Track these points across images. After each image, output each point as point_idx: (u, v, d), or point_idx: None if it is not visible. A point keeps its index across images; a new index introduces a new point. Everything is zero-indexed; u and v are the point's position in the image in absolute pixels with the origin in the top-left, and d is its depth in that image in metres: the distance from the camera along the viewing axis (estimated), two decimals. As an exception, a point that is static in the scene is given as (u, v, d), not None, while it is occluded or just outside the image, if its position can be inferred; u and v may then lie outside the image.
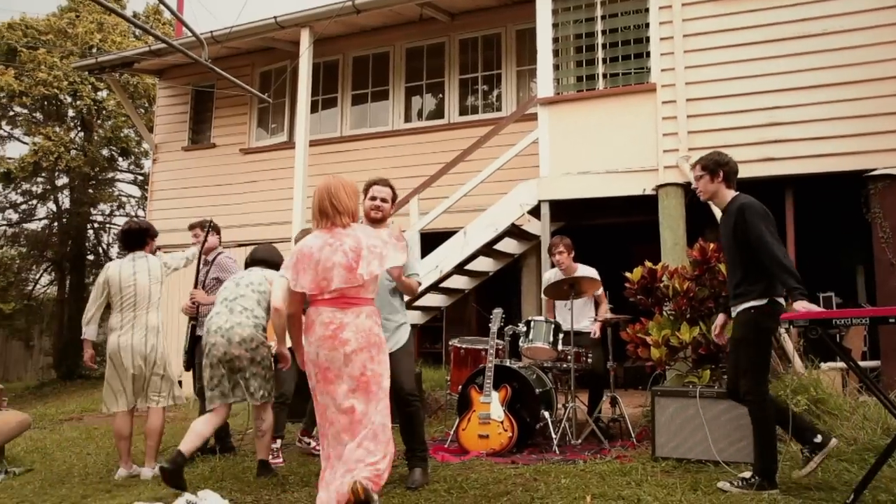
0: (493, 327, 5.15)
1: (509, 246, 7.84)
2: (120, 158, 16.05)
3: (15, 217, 16.24)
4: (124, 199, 16.90)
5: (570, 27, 7.10)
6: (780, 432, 3.65)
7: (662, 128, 6.66)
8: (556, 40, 7.12)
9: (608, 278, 5.53)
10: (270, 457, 4.46)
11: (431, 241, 7.83)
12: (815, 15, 6.31)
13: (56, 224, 16.20)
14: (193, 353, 5.07)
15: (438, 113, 9.46)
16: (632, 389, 7.36)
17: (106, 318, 4.74)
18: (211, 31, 9.38)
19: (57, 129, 14.39)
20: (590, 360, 5.27)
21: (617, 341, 5.35)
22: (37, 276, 16.64)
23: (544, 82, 7.14)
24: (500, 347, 5.44)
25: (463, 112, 9.27)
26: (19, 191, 15.67)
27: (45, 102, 14.59)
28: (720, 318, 4.01)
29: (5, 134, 15.62)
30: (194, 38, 7.08)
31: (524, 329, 5.27)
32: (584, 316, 5.44)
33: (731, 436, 4.07)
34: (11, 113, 15.00)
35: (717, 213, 4.54)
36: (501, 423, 4.78)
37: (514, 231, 7.43)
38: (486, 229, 7.29)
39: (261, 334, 4.29)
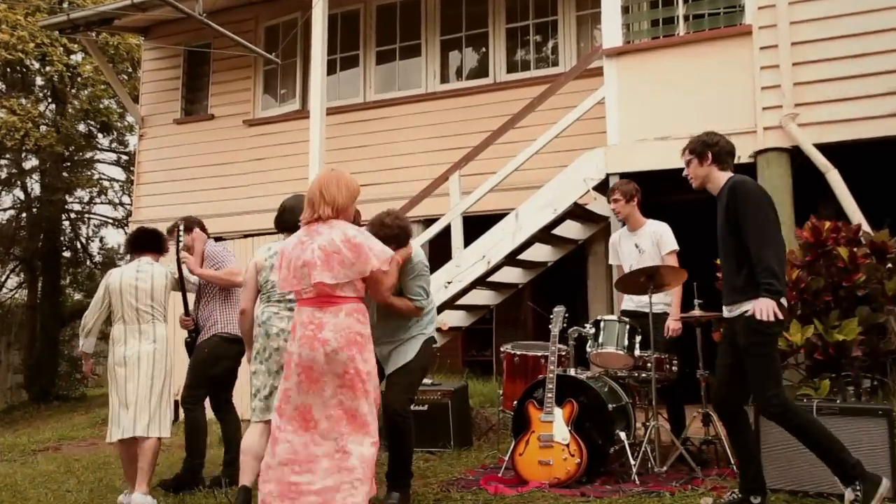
0: (555, 329, 5.17)
1: (571, 230, 7.83)
2: (100, 135, 16.39)
3: (-26, 207, 16.79)
4: (106, 183, 17.33)
5: (643, -41, 7.06)
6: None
7: (761, 80, 6.58)
8: (625, -24, 7.10)
9: (695, 266, 5.50)
10: None
11: (476, 225, 7.88)
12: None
13: (25, 215, 16.68)
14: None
15: (482, 71, 9.47)
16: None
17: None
18: (205, -21, 9.56)
19: (23, 100, 14.71)
20: (674, 369, 5.26)
21: (708, 344, 5.32)
22: (2, 278, 17.13)
23: (611, 29, 7.11)
24: (564, 354, 5.46)
25: (511, 69, 9.27)
26: (-21, 176, 16.13)
27: (8, 69, 14.94)
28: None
29: (-40, 108, 16.12)
30: (187, -12, 7.22)
31: (592, 331, 5.27)
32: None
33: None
34: (-34, 82, 15.51)
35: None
36: (567, 446, 4.81)
37: (577, 212, 7.42)
38: (543, 210, 7.30)
39: None
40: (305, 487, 3.60)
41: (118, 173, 17.98)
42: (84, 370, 5.30)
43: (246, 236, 9.96)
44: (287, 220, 4.53)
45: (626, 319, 5.29)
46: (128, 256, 5.55)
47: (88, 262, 17.33)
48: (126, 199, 17.27)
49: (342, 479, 3.58)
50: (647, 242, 5.55)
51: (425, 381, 6.40)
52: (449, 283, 7.57)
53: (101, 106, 15.72)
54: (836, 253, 4.80)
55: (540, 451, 4.82)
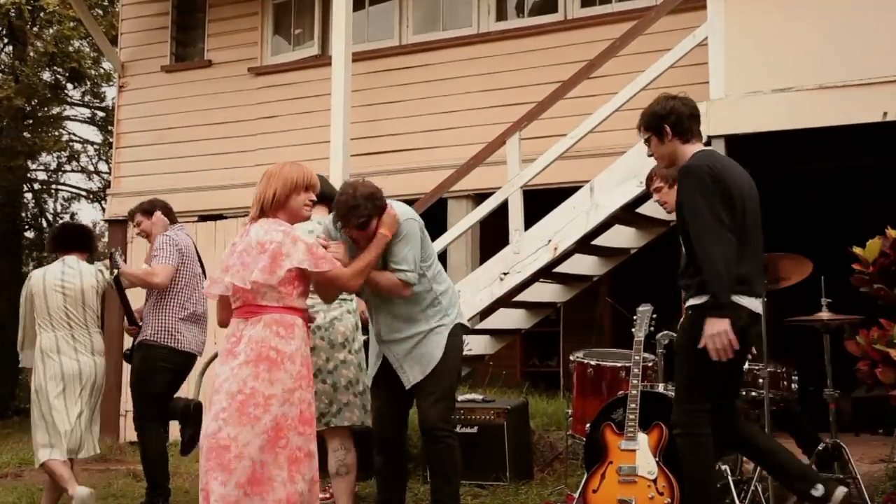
0: (639, 334, 5.15)
1: (661, 209, 7.74)
2: (69, 85, 16.65)
3: (-84, 176, 17.15)
4: (78, 146, 17.63)
5: None
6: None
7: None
8: None
9: (822, 256, 5.43)
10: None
11: (540, 201, 7.87)
12: None
13: (-24, 184, 17.05)
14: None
15: (549, 5, 9.43)
16: (866, 434, 7.24)
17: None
18: None
19: (-26, 42, 15.00)
20: (794, 386, 5.21)
21: (839, 356, 5.26)
22: (-50, 263, 17.53)
23: (718, -54, 7.02)
24: (651, 365, 5.42)
25: (587, 2, 9.21)
26: (-79, 136, 16.44)
27: (-46, 2, 15.22)
28: None
29: None
30: None
31: (688, 337, 5.24)
32: None
33: None
34: None
35: None
36: (654, 481, 4.78)
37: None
38: (625, 183, 7.26)
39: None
40: None
41: (93, 134, 18.28)
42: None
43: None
44: None
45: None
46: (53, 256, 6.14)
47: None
48: (103, 167, 17.54)
49: None
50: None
51: (474, 396, 6.45)
52: (505, 274, 7.58)
53: (71, 49, 15.93)
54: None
55: (619, 488, 4.80)
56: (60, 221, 5.71)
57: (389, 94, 9.69)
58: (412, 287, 4.44)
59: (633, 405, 4.92)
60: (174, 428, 6.06)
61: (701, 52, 7.17)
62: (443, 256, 8.55)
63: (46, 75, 15.98)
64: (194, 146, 10.80)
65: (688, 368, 4.19)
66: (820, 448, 5.16)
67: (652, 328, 5.30)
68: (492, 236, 8.40)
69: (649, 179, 5.58)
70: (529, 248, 7.50)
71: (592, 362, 5.70)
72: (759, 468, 4.95)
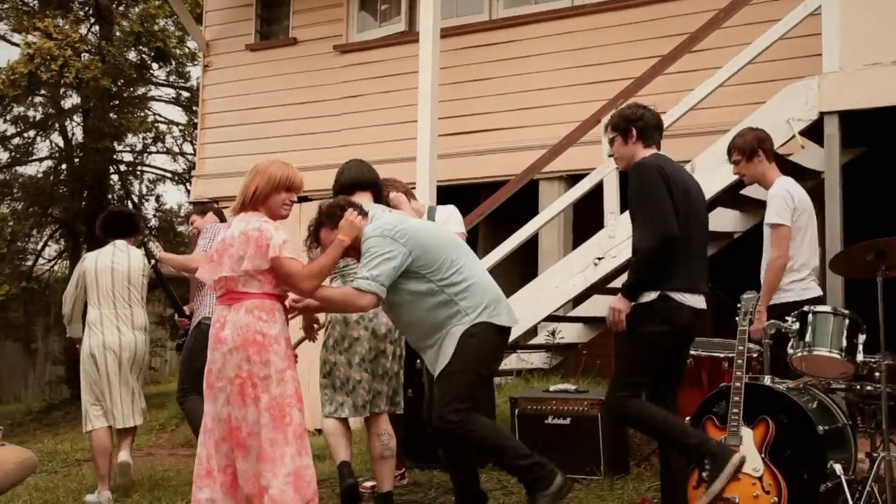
0: (744, 322, 5.07)
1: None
2: (154, 65, 17.02)
3: (5, 157, 17.76)
4: (163, 127, 18.00)
5: None
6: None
7: None
8: None
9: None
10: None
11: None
12: None
13: (65, 167, 17.57)
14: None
15: (646, -26, 9.31)
16: None
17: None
18: None
19: (60, 21, 15.33)
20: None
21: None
22: (39, 246, 18.14)
23: None
24: (755, 356, 5.37)
25: (688, -29, 9.06)
26: (9, 117, 17.01)
27: (41, -20, 15.64)
28: None
29: (-17, 30, 16.85)
30: None
31: (796, 325, 5.14)
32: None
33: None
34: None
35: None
36: (759, 479, 4.74)
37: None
38: (729, 164, 7.12)
39: None
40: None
41: (178, 115, 18.66)
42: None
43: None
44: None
45: (846, 311, 5.13)
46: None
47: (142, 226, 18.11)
48: (187, 148, 17.92)
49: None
50: (767, 209, 5.57)
51: (567, 387, 6.42)
52: (599, 259, 7.55)
53: (156, 28, 16.29)
54: None
55: (722, 485, 4.77)
56: (107, 210, 6.43)
57: (478, 71, 9.68)
58: (372, 297, 4.42)
59: (736, 398, 4.84)
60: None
61: (813, 22, 7.03)
62: (534, 240, 8.54)
63: (132, 55, 16.37)
64: (279, 126, 10.96)
65: (624, 364, 4.67)
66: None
67: (757, 317, 5.23)
68: (585, 219, 8.34)
69: (729, 152, 5.69)
70: (625, 231, 7.38)
71: (692, 352, 5.60)
72: (876, 467, 4.86)
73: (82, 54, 15.20)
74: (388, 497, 5.16)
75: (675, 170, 4.69)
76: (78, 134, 17.29)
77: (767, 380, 5.09)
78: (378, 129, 10.06)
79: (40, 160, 17.78)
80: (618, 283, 7.90)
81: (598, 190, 7.75)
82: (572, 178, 8.40)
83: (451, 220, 6.06)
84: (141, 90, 17.55)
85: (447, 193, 9.03)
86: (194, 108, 15.91)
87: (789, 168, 7.31)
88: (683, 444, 4.54)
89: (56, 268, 17.98)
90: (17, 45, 16.17)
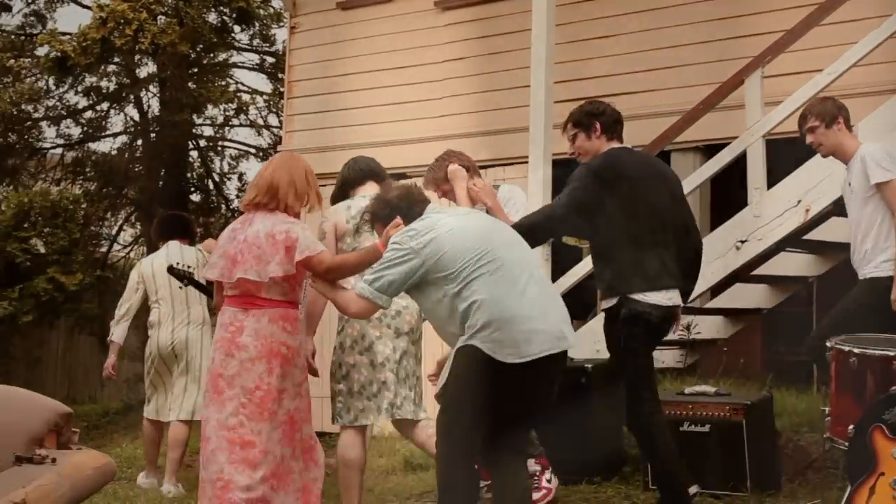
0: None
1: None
2: (236, 28, 17.24)
3: (77, 132, 18.24)
4: (246, 97, 18.25)
5: None
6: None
7: None
8: None
9: None
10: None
11: (786, 153, 7.59)
12: None
13: (140, 142, 18.02)
14: None
15: None
16: None
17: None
18: None
19: (134, -20, 15.67)
20: None
21: None
22: (114, 230, 18.64)
23: None
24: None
25: None
26: (80, 88, 17.46)
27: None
28: None
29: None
30: None
31: None
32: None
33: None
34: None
35: None
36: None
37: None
38: (897, 130, 6.93)
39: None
40: None
41: (262, 83, 18.87)
42: (106, 363, 7.83)
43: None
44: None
45: None
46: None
47: (224, 209, 18.44)
48: (272, 121, 18.15)
49: None
50: (857, 174, 5.64)
51: (705, 389, 6.32)
52: (742, 242, 7.44)
53: (238, -14, 16.49)
54: None
55: (894, 505, 4.66)
56: (161, 213, 7.73)
57: (599, 27, 9.58)
58: (365, 304, 4.50)
59: (913, 403, 4.74)
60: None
61: None
62: (665, 221, 8.40)
63: (212, 17, 16.58)
64: (373, 95, 11.01)
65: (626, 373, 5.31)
66: None
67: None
68: (725, 196, 8.18)
69: (803, 118, 5.82)
70: (773, 210, 7.32)
71: (856, 350, 5.42)
72: None
73: (158, 17, 15.48)
74: None
75: (632, 164, 5.23)
76: (154, 106, 17.74)
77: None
78: (484, 97, 10.03)
79: (114, 135, 18.27)
80: (765, 269, 7.72)
81: (740, 162, 7.63)
82: (710, 149, 8.26)
83: (509, 204, 5.96)
84: (222, 56, 17.82)
85: (565, 168, 8.94)
86: (280, 75, 16.07)
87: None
88: (669, 480, 5.20)
89: (132, 254, 18.39)
90: (88, 7, 16.60)
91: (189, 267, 6.67)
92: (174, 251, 7.48)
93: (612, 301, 5.17)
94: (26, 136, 17.52)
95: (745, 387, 7.30)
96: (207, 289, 6.75)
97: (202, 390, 6.56)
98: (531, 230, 5.08)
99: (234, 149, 18.91)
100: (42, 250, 15.52)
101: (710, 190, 8.78)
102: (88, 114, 17.92)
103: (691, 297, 7.77)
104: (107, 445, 10.70)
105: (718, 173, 7.77)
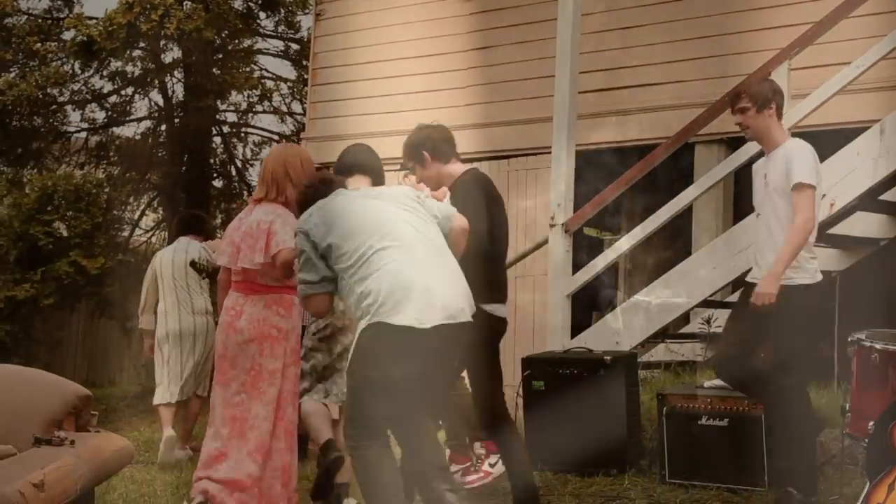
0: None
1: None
2: (262, 14, 17.25)
3: (101, 116, 18.31)
4: (270, 83, 18.26)
5: None
6: None
7: None
8: None
9: None
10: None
11: (814, 143, 7.53)
12: None
13: (164, 127, 18.07)
14: None
15: None
16: None
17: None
18: None
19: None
20: None
21: None
22: (136, 215, 18.71)
23: None
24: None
25: None
26: (105, 73, 17.52)
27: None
28: None
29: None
30: None
31: None
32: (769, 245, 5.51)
33: None
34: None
35: None
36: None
37: None
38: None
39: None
40: None
41: (286, 70, 18.90)
42: (145, 347, 8.36)
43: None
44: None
45: None
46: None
47: (246, 195, 18.47)
48: (296, 108, 18.17)
49: None
50: (777, 170, 5.49)
51: (724, 383, 6.30)
52: (766, 235, 7.34)
53: (263, -28, 16.53)
54: None
55: (913, 504, 4.61)
56: (182, 211, 8.64)
57: (625, 17, 9.55)
58: (312, 301, 4.60)
59: (933, 401, 4.71)
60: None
61: None
62: (688, 213, 8.38)
63: (237, 3, 16.61)
64: (398, 83, 11.01)
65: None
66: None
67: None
68: (749, 189, 8.14)
69: (736, 97, 5.63)
70: (797, 203, 7.23)
71: (878, 346, 5.42)
72: None
73: (184, 2, 15.51)
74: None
75: (489, 182, 5.49)
76: (179, 91, 17.75)
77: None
78: (510, 86, 10.02)
79: (138, 120, 18.31)
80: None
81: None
82: (734, 141, 8.20)
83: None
84: (247, 42, 17.84)
85: (588, 159, 8.93)
86: (304, 62, 16.08)
87: None
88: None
89: (154, 239, 18.47)
90: (113, -10, 16.59)
91: (207, 261, 7.02)
92: (182, 245, 8.09)
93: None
94: (51, 120, 17.56)
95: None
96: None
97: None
98: None
99: (258, 135, 18.95)
100: (65, 233, 15.59)
101: (733, 182, 8.74)
102: (113, 98, 17.97)
103: (712, 291, 7.79)
104: (125, 428, 10.74)
105: (742, 166, 7.73)
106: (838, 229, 7.54)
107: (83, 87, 17.67)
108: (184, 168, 17.21)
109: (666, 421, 6.08)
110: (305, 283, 4.54)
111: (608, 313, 8.14)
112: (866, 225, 7.70)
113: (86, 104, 17.82)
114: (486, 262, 5.11)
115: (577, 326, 7.95)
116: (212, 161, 18.15)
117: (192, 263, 6.85)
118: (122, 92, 17.91)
